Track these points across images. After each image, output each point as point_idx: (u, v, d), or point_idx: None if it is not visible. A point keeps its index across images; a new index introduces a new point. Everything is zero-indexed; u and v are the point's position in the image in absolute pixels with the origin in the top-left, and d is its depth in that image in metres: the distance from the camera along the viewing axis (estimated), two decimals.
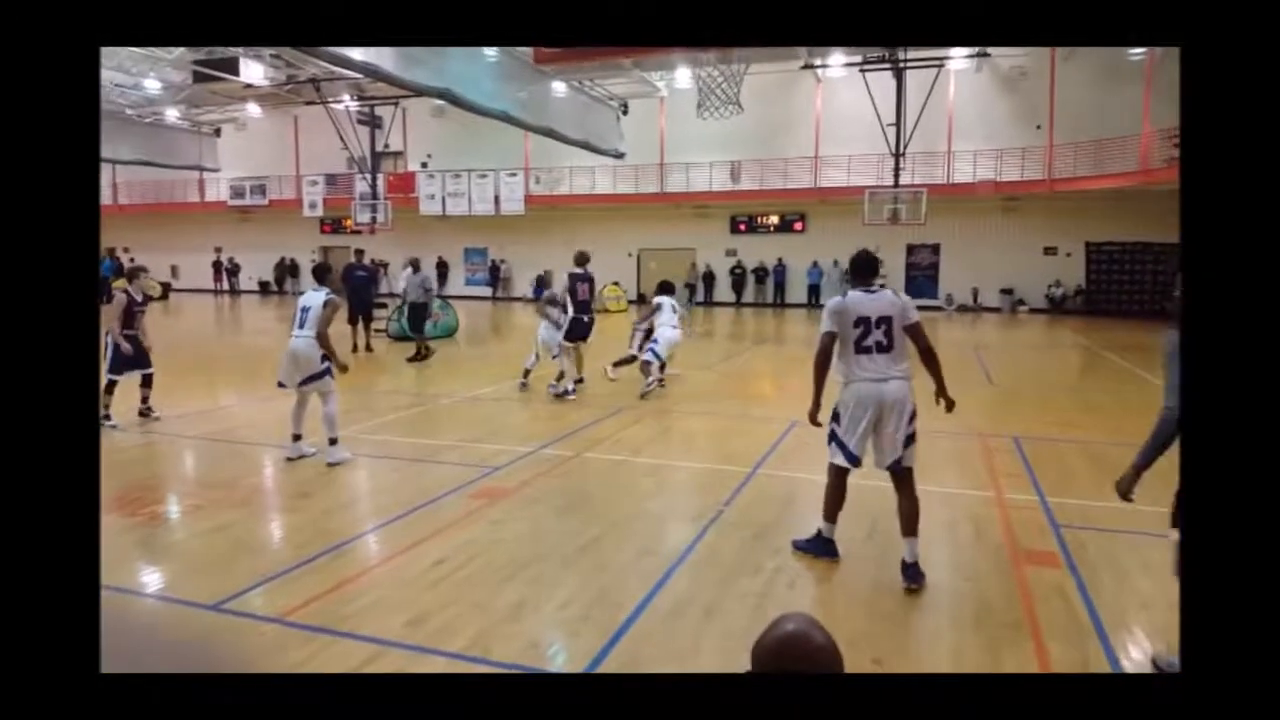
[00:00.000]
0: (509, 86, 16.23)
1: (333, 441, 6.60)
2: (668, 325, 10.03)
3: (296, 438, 6.73)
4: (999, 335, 18.62)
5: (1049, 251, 23.96)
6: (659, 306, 10.26)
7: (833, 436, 4.47)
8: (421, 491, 5.78)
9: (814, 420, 4.45)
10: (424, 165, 29.60)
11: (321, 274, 6.90)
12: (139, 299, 8.17)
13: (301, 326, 6.59)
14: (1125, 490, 3.37)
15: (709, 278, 27.80)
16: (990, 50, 21.62)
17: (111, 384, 7.96)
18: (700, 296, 27.89)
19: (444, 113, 26.16)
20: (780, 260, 26.89)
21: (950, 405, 4.46)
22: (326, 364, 6.54)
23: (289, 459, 6.67)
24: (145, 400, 8.32)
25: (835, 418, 4.45)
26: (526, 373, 10.24)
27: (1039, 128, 23.28)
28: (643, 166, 26.68)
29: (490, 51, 15.20)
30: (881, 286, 4.49)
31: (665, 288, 10.65)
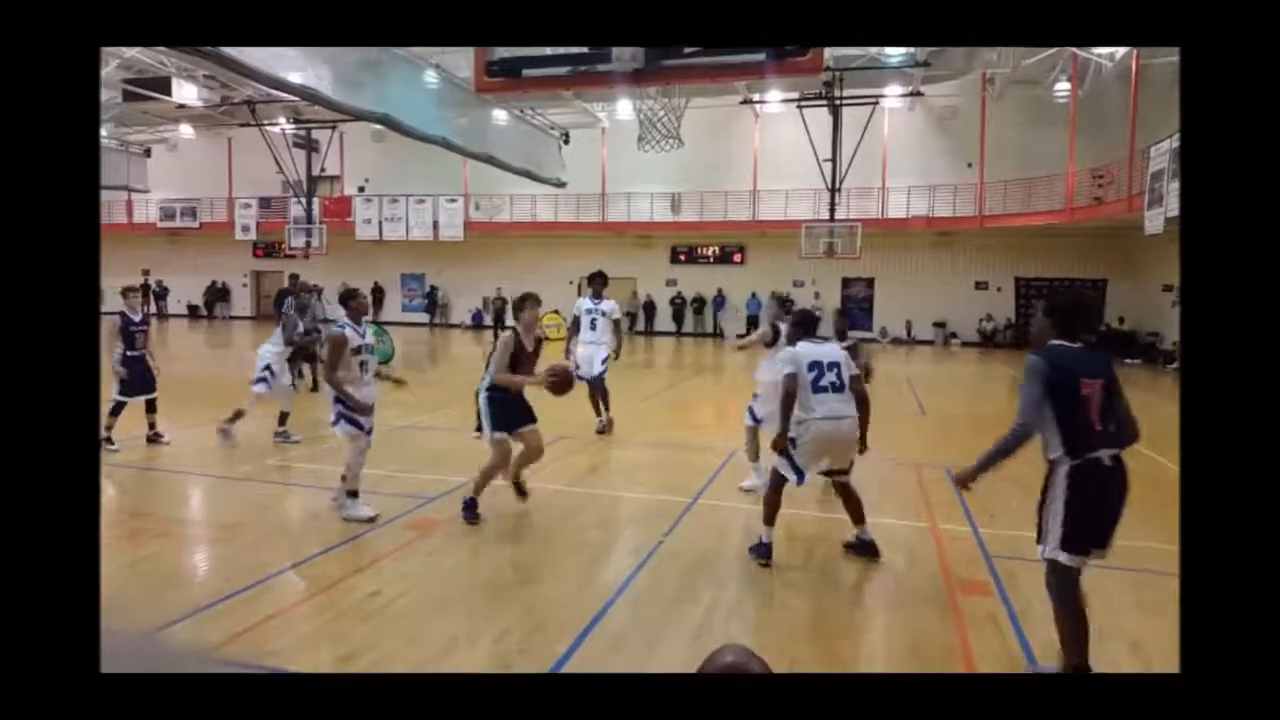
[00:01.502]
0: (449, 113, 16.12)
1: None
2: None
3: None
4: (932, 367, 19.13)
5: (980, 286, 24.83)
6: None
7: (785, 454, 4.84)
8: (356, 523, 5.59)
9: (778, 449, 4.88)
10: (361, 189, 29.18)
11: (344, 300, 5.92)
12: (135, 318, 7.94)
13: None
14: (965, 481, 3.66)
15: (649, 307, 27.95)
16: (923, 89, 22.48)
17: (118, 406, 7.68)
18: (640, 325, 27.99)
19: (383, 138, 25.90)
20: (720, 291, 27.22)
21: (863, 449, 5.04)
22: (338, 406, 5.60)
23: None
24: (152, 425, 8.01)
25: (793, 443, 4.83)
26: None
27: (970, 165, 24.24)
28: (584, 196, 26.81)
29: (430, 77, 15.12)
30: (825, 339, 5.13)
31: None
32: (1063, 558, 3.31)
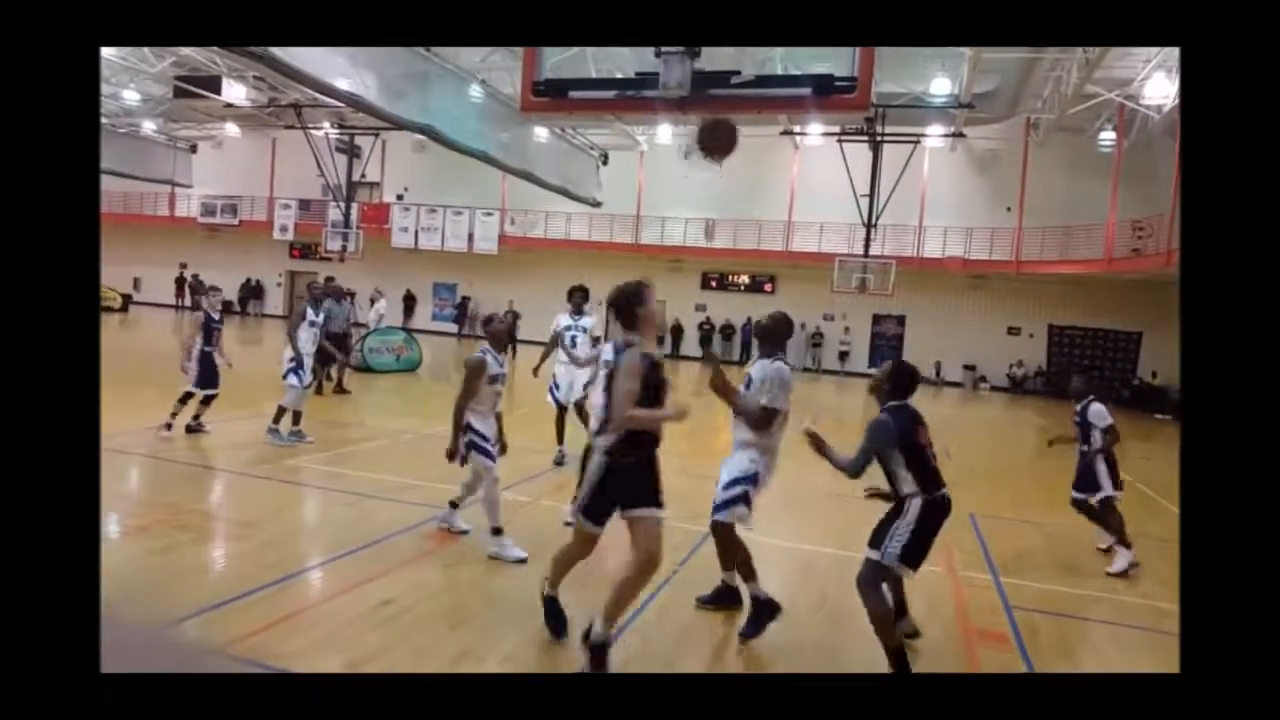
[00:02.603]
0: (492, 128, 16.38)
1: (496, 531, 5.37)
2: None
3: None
4: (960, 411, 18.89)
5: (1012, 331, 24.54)
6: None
7: (746, 498, 4.52)
8: (374, 528, 5.60)
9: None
10: (400, 197, 29.60)
11: (485, 324, 5.68)
12: (215, 316, 8.41)
13: None
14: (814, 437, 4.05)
15: (677, 331, 27.95)
16: (966, 131, 22.40)
17: (188, 395, 8.11)
18: (667, 349, 27.97)
19: (424, 148, 26.27)
20: (749, 319, 27.17)
21: None
22: (469, 436, 5.31)
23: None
24: (197, 416, 8.30)
25: (754, 479, 4.55)
26: None
27: (1009, 209, 24.05)
28: (619, 217, 26.96)
29: (475, 91, 15.37)
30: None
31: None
32: (900, 569, 3.91)
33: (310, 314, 8.73)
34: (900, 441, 3.93)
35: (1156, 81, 18.26)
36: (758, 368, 4.63)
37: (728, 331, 27.51)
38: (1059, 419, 17.38)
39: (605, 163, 22.73)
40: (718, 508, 4.53)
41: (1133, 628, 4.95)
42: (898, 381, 4.16)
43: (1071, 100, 18.84)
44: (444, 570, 4.94)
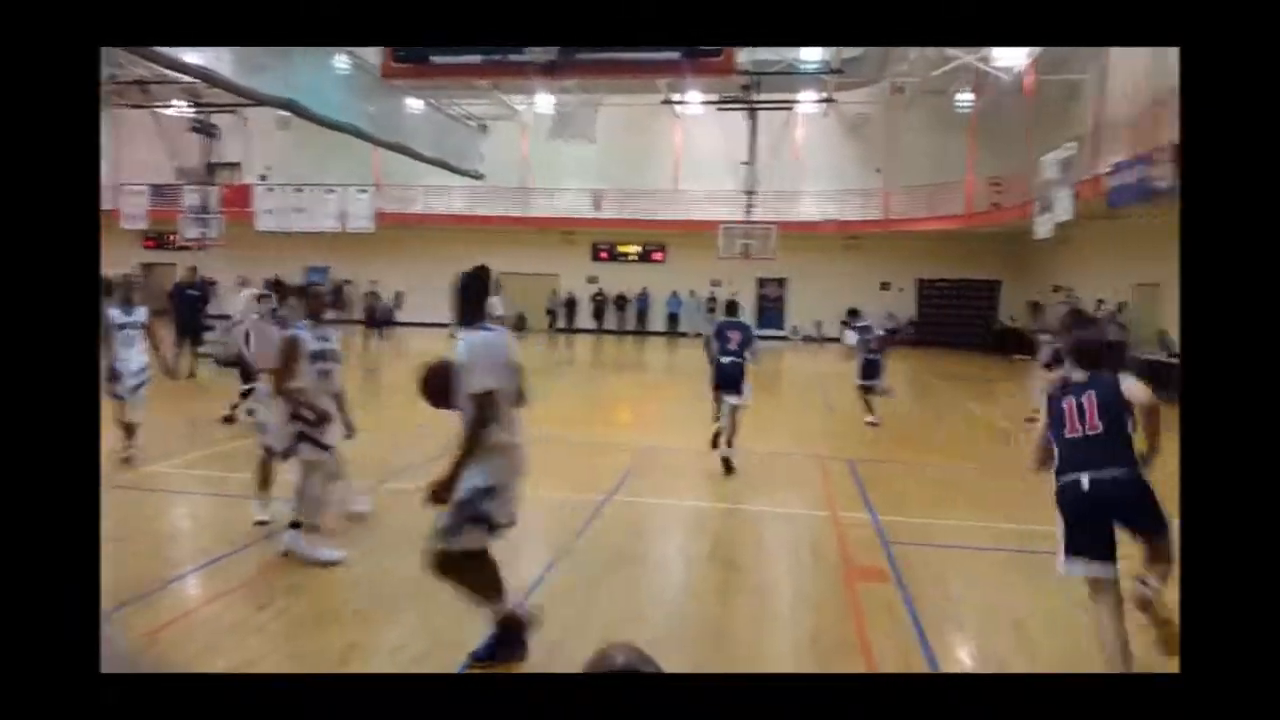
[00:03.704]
0: (360, 100, 15.69)
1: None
2: None
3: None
4: (840, 365, 19.68)
5: (885, 286, 25.69)
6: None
7: (477, 518, 3.69)
8: (247, 531, 5.34)
9: None
10: (263, 178, 27.98)
11: (300, 295, 5.46)
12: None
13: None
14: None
15: (570, 304, 27.81)
16: (836, 96, 23.09)
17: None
18: (561, 323, 27.84)
19: (288, 124, 24.89)
20: (645, 289, 27.34)
21: None
22: (295, 425, 5.00)
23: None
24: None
25: (485, 495, 3.69)
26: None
27: (878, 171, 25.05)
28: (503, 189, 26.46)
29: (341, 62, 14.66)
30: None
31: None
32: None
33: (118, 315, 6.97)
34: None
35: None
36: (461, 343, 3.51)
37: (620, 302, 27.58)
38: (929, 367, 18.44)
39: (485, 133, 22.21)
40: (444, 532, 3.55)
41: (1000, 550, 5.34)
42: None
43: (932, 63, 19.71)
44: (322, 569, 4.78)
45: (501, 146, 24.62)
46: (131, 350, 7.00)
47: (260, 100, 13.49)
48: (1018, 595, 4.54)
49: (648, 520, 5.82)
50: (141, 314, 7.21)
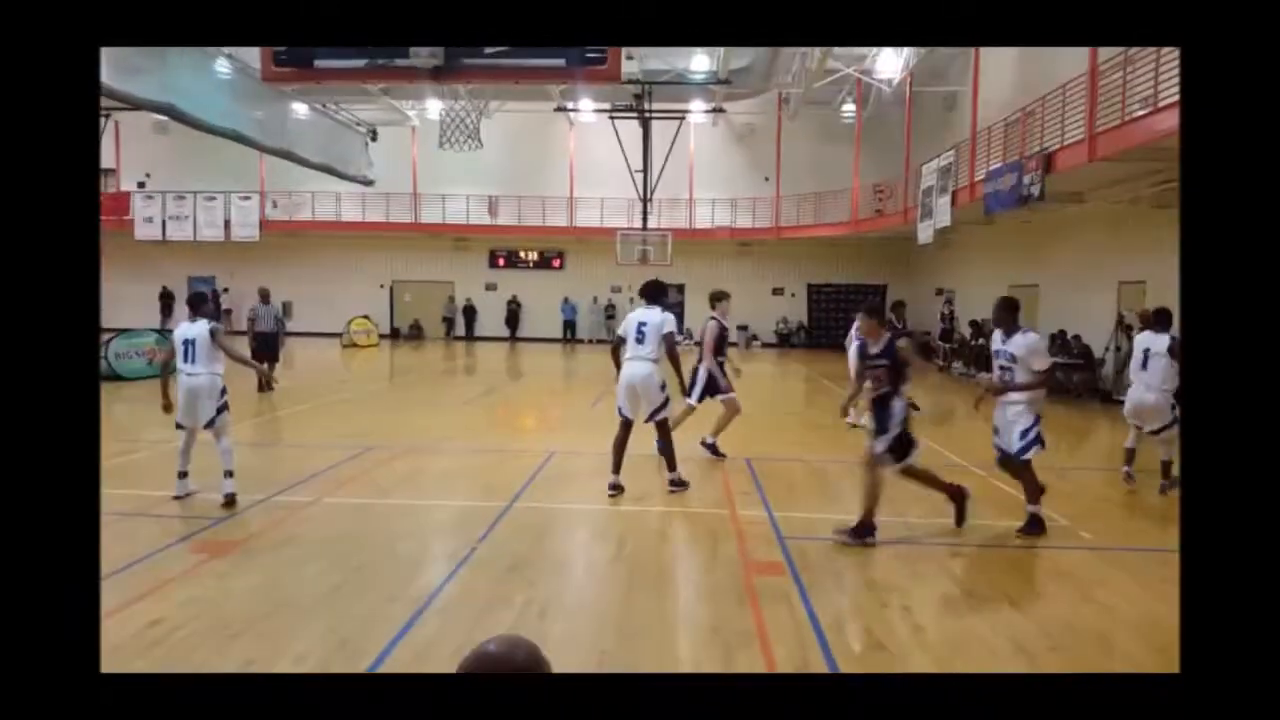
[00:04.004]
0: (242, 104, 15.03)
1: (229, 474, 6.16)
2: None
3: (184, 475, 6.27)
4: (737, 366, 20.19)
5: (777, 292, 26.59)
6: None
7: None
8: (133, 548, 5.08)
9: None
10: (141, 185, 26.42)
11: (198, 303, 6.40)
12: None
13: (193, 361, 6.12)
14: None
15: (469, 311, 27.44)
16: (725, 106, 23.71)
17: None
18: (460, 330, 27.42)
19: (166, 129, 23.61)
20: (559, 297, 27.29)
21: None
22: (225, 398, 6.22)
23: (176, 498, 6.17)
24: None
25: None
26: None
27: (767, 179, 25.89)
28: (395, 195, 25.87)
29: (222, 66, 14.02)
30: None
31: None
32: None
33: None
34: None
35: (886, 58, 20.39)
36: None
37: (512, 307, 27.39)
38: (820, 368, 19.18)
39: (374, 139, 21.63)
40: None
41: (887, 542, 5.65)
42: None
43: (816, 75, 20.52)
44: (218, 582, 4.62)
45: (393, 152, 24.07)
46: None
47: (137, 104, 12.73)
48: (905, 583, 4.83)
49: (552, 524, 5.86)
50: None
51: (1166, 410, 6.76)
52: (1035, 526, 5.62)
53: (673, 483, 6.73)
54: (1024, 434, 5.58)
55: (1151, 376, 6.76)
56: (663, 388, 6.51)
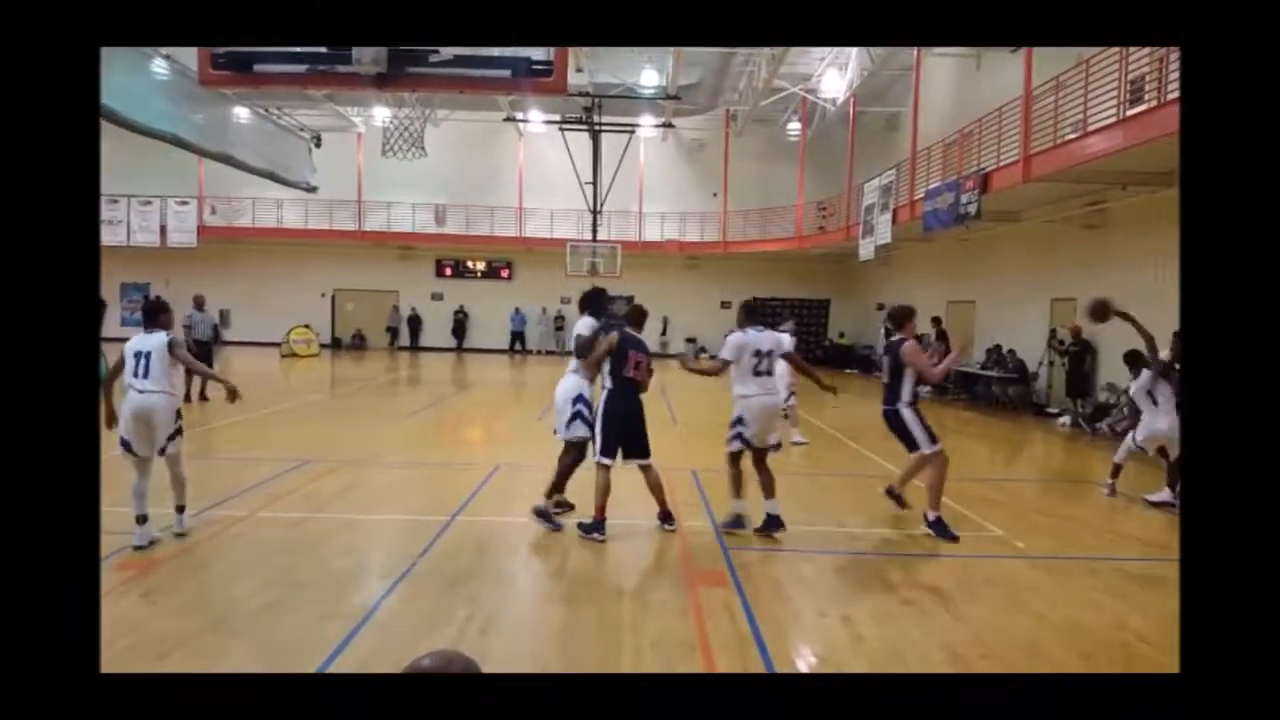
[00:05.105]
0: (181, 107, 14.59)
1: (181, 509, 5.65)
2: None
3: (143, 519, 5.28)
4: (683, 379, 20.29)
5: (725, 305, 26.79)
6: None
7: (739, 436, 5.97)
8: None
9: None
10: None
11: (156, 311, 5.58)
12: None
13: (146, 377, 5.32)
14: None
15: (414, 321, 27.05)
16: (674, 122, 23.96)
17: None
18: (404, 340, 27.02)
19: (101, 130, 22.77)
20: (513, 308, 27.08)
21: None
22: (181, 421, 5.54)
23: (138, 547, 5.21)
24: None
25: (739, 421, 5.93)
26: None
27: (715, 195, 26.20)
28: (339, 202, 25.42)
29: (159, 67, 13.62)
30: (764, 328, 6.09)
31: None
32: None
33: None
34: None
35: (830, 78, 20.84)
36: None
37: (459, 317, 27.11)
38: None
39: (318, 145, 21.22)
40: None
41: (829, 553, 5.73)
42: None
43: (763, 93, 20.89)
44: (144, 600, 4.45)
45: (337, 159, 23.68)
46: None
47: None
48: (844, 592, 4.91)
49: (495, 538, 5.79)
50: None
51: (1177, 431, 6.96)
52: (738, 523, 6.03)
53: (538, 512, 5.93)
54: (731, 425, 6.08)
55: (1163, 407, 7.04)
56: (575, 401, 5.84)
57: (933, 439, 6.03)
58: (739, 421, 5.92)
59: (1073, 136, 10.69)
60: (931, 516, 5.97)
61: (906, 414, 6.07)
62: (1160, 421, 7.05)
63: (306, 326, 24.56)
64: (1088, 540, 6.35)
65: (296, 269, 26.26)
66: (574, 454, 6.00)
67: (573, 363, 6.00)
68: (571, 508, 6.21)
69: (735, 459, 6.06)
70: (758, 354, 5.86)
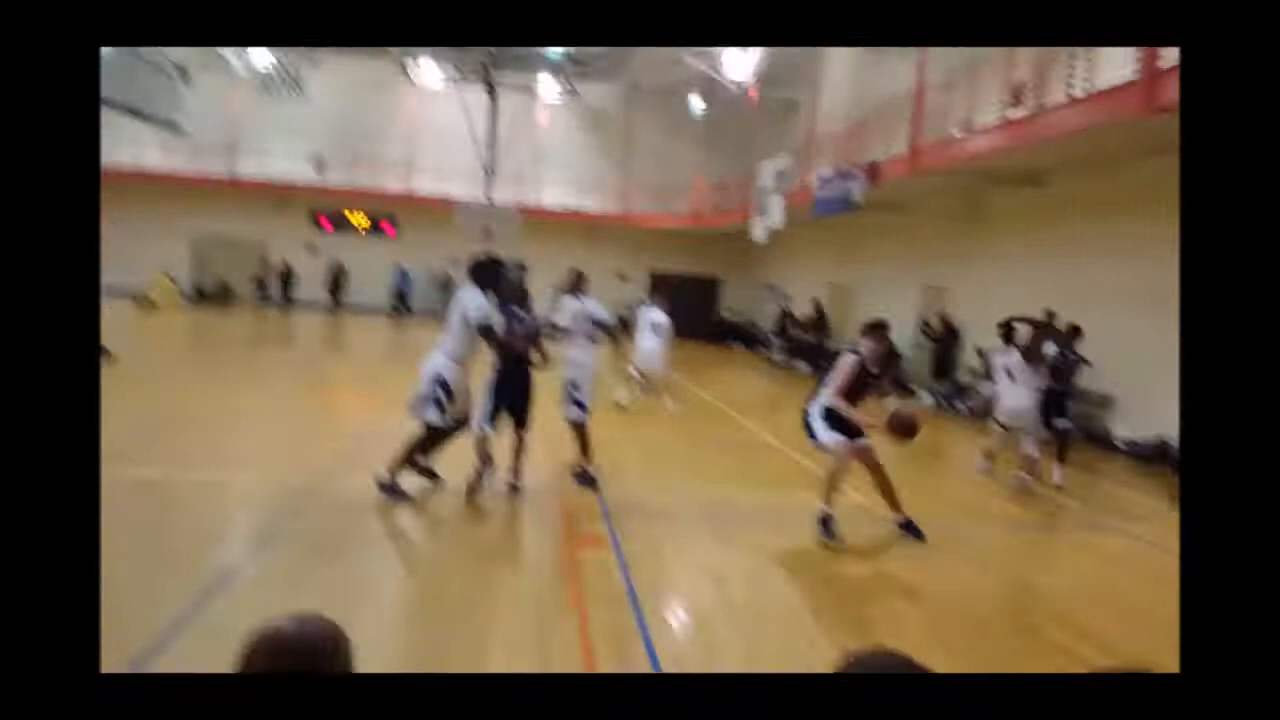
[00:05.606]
0: None
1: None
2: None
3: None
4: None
5: (622, 278, 26.71)
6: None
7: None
8: None
9: None
10: None
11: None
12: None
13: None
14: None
15: (287, 275, 25.58)
16: (578, 89, 23.54)
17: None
18: (275, 295, 25.55)
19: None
20: (390, 266, 25.95)
21: None
22: None
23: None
24: None
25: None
26: None
27: (615, 166, 25.99)
28: (205, 145, 23.61)
29: None
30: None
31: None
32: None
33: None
34: None
35: (734, 57, 20.98)
36: None
37: (335, 273, 25.82)
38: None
39: (186, 82, 19.58)
40: None
41: (706, 517, 5.79)
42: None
43: (667, 67, 20.82)
44: None
45: (208, 100, 21.99)
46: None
47: None
48: (718, 555, 4.96)
49: (367, 503, 5.51)
50: None
51: (1035, 409, 7.40)
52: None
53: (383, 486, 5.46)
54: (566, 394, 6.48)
55: (1023, 385, 7.37)
56: (440, 384, 5.40)
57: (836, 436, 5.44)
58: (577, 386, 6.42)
59: (959, 135, 11.17)
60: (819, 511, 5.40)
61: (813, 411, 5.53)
62: (1018, 400, 7.40)
63: (167, 276, 22.82)
64: (941, 510, 6.69)
65: (156, 214, 24.26)
66: (429, 437, 5.48)
67: (444, 339, 5.48)
68: (436, 478, 5.73)
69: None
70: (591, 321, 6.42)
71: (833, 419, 5.39)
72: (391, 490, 5.42)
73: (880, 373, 5.53)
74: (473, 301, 5.38)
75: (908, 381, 8.19)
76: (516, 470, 5.74)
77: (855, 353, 5.45)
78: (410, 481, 5.56)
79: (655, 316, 10.90)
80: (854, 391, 5.37)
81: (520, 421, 5.69)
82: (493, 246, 24.10)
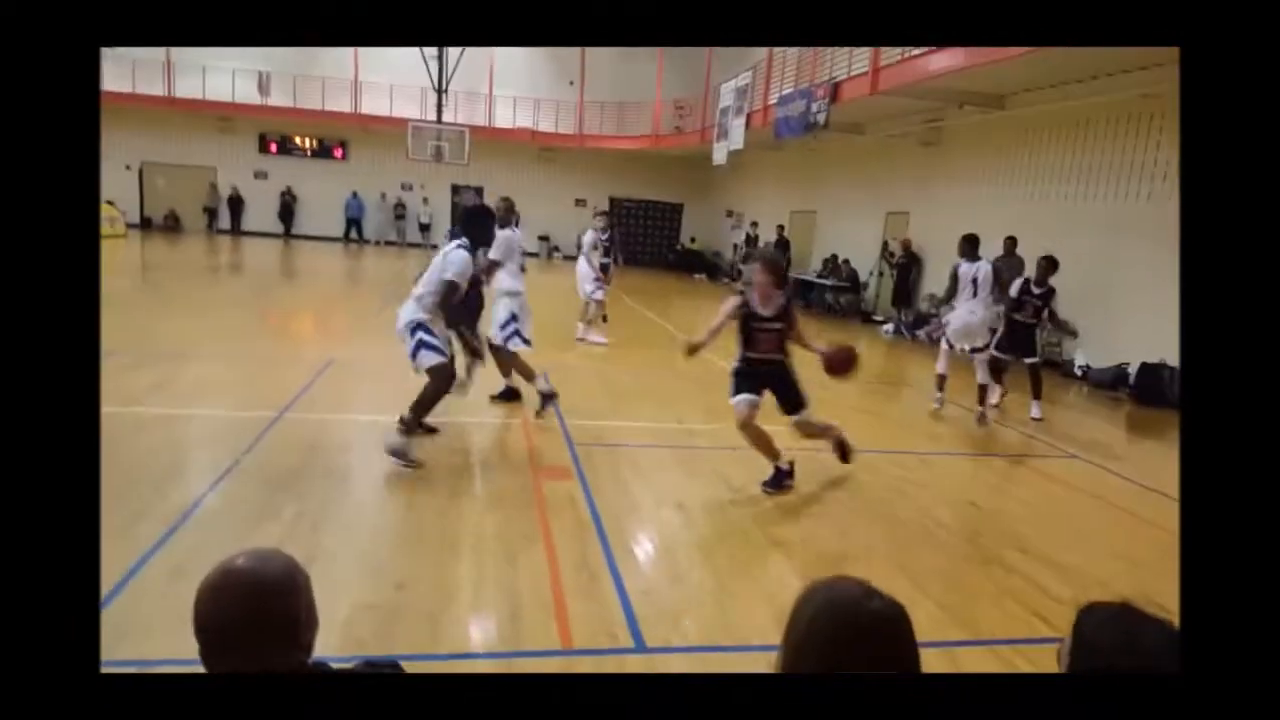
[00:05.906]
0: None
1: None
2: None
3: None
4: (539, 278, 19.97)
5: (580, 203, 26.35)
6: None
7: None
8: None
9: None
10: None
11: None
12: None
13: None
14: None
15: (235, 202, 24.74)
16: None
17: None
18: (225, 223, 24.75)
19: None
20: (349, 192, 25.16)
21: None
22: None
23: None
24: None
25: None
26: None
27: (571, 84, 25.22)
28: (144, 62, 22.39)
29: None
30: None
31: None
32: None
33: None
34: None
35: None
36: None
37: (286, 200, 25.05)
38: (617, 282, 19.45)
39: None
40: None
41: (668, 446, 5.90)
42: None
43: None
44: None
45: None
46: None
47: None
48: (680, 484, 5.09)
49: (327, 436, 5.50)
50: None
51: (987, 329, 7.48)
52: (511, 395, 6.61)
53: (394, 451, 4.96)
54: (502, 325, 6.44)
55: (980, 300, 7.41)
56: (414, 330, 5.05)
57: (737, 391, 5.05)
58: (516, 319, 6.50)
59: (919, 53, 11.04)
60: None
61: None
62: (973, 313, 7.44)
63: (110, 203, 21.89)
64: (900, 437, 6.90)
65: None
66: (437, 382, 5.06)
67: (418, 288, 5.13)
68: (435, 431, 5.59)
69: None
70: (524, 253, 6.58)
71: (739, 374, 4.92)
72: (404, 455, 4.95)
73: (776, 316, 4.74)
74: (455, 266, 5.03)
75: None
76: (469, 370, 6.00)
77: (740, 291, 4.94)
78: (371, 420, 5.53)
79: (585, 236, 10.88)
80: (747, 340, 4.80)
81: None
82: (443, 169, 23.54)
